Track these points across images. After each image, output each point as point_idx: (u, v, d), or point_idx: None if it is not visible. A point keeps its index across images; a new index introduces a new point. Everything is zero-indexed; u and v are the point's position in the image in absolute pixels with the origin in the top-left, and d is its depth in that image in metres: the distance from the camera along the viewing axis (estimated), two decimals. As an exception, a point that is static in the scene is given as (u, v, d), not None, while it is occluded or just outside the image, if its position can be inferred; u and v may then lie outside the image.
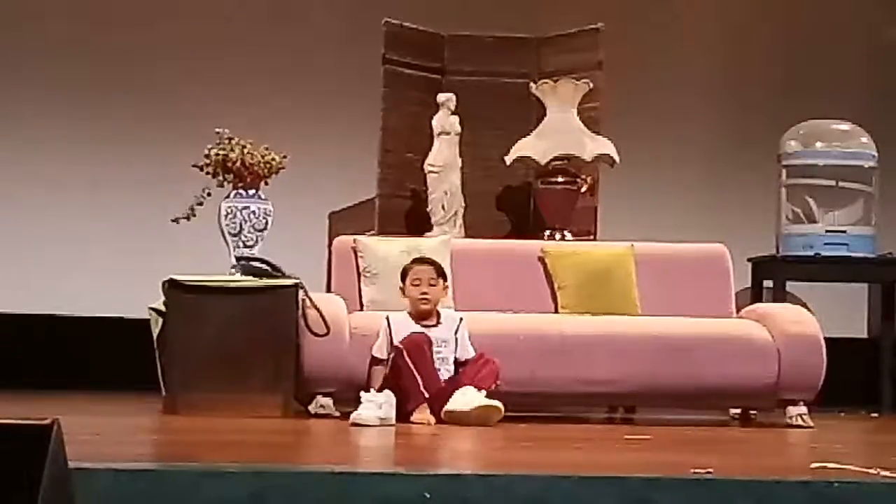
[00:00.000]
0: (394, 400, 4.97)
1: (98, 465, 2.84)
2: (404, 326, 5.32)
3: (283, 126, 7.23)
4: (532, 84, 6.88)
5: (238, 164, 5.81)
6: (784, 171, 7.53)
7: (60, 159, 8.06)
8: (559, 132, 6.74)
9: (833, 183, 7.47)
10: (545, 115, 6.82)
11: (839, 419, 6.39)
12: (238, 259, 5.76)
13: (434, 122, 6.78)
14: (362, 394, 4.93)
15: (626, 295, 5.99)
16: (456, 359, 5.33)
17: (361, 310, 5.77)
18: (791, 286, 7.39)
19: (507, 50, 7.16)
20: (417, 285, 5.39)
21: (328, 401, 5.42)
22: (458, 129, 6.76)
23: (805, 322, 5.81)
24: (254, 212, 5.86)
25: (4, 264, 7.94)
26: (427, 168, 6.75)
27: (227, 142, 5.83)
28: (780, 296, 7.19)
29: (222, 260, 5.86)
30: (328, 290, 5.94)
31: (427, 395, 5.10)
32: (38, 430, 2.28)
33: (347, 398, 5.20)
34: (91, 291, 7.81)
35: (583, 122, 6.79)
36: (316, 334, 5.39)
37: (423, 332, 5.26)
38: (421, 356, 5.17)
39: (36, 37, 8.07)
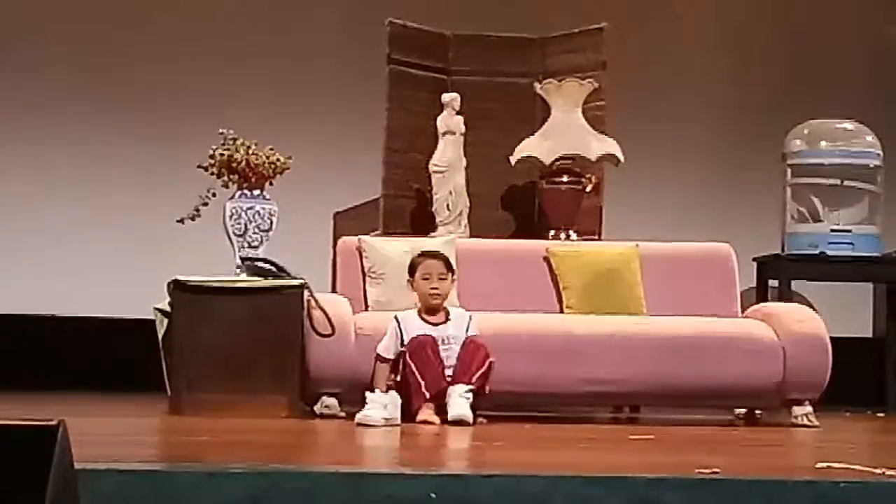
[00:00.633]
0: (399, 400, 4.98)
1: (104, 466, 2.84)
2: (413, 325, 5.31)
3: (288, 126, 7.25)
4: (537, 84, 6.88)
5: (243, 164, 5.81)
6: (789, 171, 7.52)
7: (63, 160, 8.06)
8: (564, 132, 6.74)
9: (838, 182, 7.46)
10: (550, 114, 6.82)
11: (844, 419, 6.39)
12: (243, 259, 5.76)
13: (439, 122, 6.78)
14: (367, 394, 4.93)
15: (632, 295, 5.99)
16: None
17: (366, 310, 5.77)
18: (796, 285, 7.38)
19: (511, 50, 7.16)
20: (427, 279, 5.36)
21: (333, 401, 5.42)
22: (463, 128, 6.76)
23: (810, 321, 5.81)
24: (258, 212, 5.87)
25: (11, 265, 7.95)
26: (432, 168, 6.75)
27: (231, 142, 5.84)
28: (785, 295, 7.18)
29: (227, 260, 5.86)
30: (333, 290, 5.93)
31: (428, 396, 5.10)
32: (44, 431, 2.28)
33: (353, 398, 5.20)
34: (96, 292, 7.82)
35: (587, 121, 6.78)
36: (321, 335, 5.39)
37: (428, 334, 5.25)
38: (424, 357, 5.16)
39: (36, 37, 8.07)
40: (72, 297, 7.82)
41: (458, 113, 6.78)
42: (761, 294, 7.43)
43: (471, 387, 5.08)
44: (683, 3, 8.71)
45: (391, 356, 5.28)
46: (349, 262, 5.95)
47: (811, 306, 6.34)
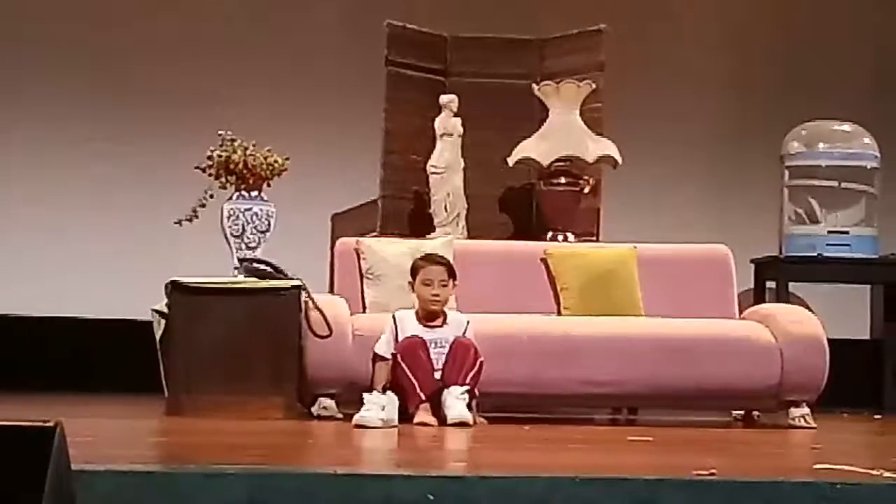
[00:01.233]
0: (396, 402, 4.98)
1: (101, 467, 2.84)
2: (410, 326, 5.30)
3: (286, 128, 7.24)
4: (534, 85, 6.88)
5: (241, 165, 5.81)
6: (787, 172, 7.53)
7: (62, 160, 8.06)
8: (562, 133, 6.74)
9: (836, 184, 7.47)
10: (548, 116, 6.82)
11: (842, 420, 6.39)
12: (241, 261, 5.76)
13: (437, 124, 6.78)
14: (365, 395, 4.93)
15: (629, 296, 5.99)
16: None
17: (364, 311, 5.76)
18: (794, 287, 7.39)
19: (509, 51, 7.16)
20: (428, 285, 5.34)
21: (331, 402, 5.42)
22: (461, 130, 6.76)
23: (808, 323, 5.81)
24: (256, 213, 5.87)
25: (9, 266, 7.95)
26: (430, 169, 6.75)
27: (229, 143, 5.84)
28: (782, 297, 7.19)
29: (225, 261, 5.86)
30: (331, 291, 5.93)
31: (423, 397, 5.10)
32: (41, 431, 2.28)
33: (350, 400, 5.19)
34: (94, 293, 7.82)
35: (585, 123, 6.78)
36: (318, 336, 5.39)
37: (419, 336, 5.24)
38: (415, 359, 5.15)
39: (36, 37, 8.08)
40: (70, 298, 7.82)
41: (456, 114, 6.78)
42: (759, 295, 7.43)
43: (466, 388, 5.08)
44: (683, 3, 8.72)
45: (389, 355, 5.27)
46: (347, 263, 5.95)
47: (809, 308, 6.34)
